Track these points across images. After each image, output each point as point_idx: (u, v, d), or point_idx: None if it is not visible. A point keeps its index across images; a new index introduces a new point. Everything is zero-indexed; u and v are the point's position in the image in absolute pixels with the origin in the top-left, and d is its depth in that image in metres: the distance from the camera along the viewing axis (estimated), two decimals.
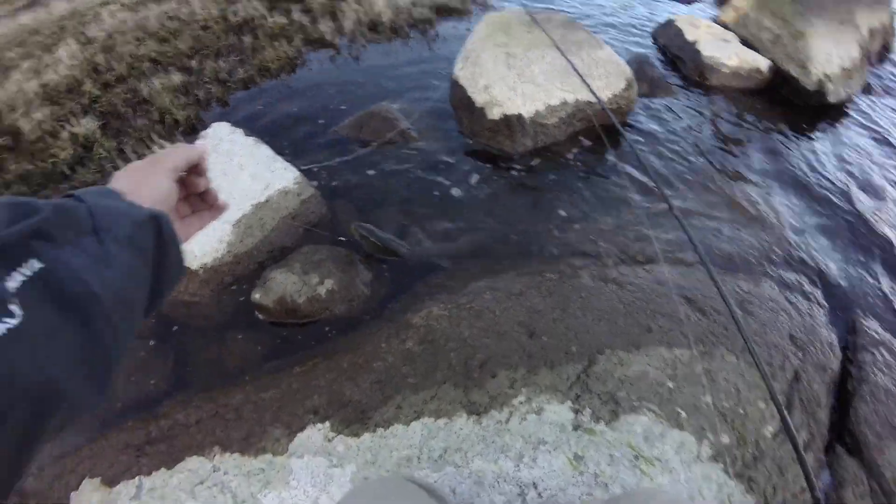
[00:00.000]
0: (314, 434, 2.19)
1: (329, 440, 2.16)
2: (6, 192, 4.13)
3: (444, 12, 5.61)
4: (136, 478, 2.26)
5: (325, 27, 5.20)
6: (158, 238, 0.52)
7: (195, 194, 0.71)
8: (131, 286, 0.47)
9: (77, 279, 0.41)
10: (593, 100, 3.54)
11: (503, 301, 2.58)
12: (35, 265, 0.39)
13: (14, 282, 0.37)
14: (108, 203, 0.50)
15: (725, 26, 5.10)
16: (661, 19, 5.54)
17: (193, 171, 0.68)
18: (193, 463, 2.25)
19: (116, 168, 3.70)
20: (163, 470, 2.25)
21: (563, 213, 3.13)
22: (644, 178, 3.34)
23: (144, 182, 0.60)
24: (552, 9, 5.23)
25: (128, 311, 0.46)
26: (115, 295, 0.44)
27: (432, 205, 3.17)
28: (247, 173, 3.10)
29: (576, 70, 3.07)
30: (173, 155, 0.64)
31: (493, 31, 3.86)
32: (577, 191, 3.26)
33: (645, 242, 2.93)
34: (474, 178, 3.37)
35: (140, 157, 3.70)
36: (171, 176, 0.63)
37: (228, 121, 3.76)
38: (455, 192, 3.27)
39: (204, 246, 2.83)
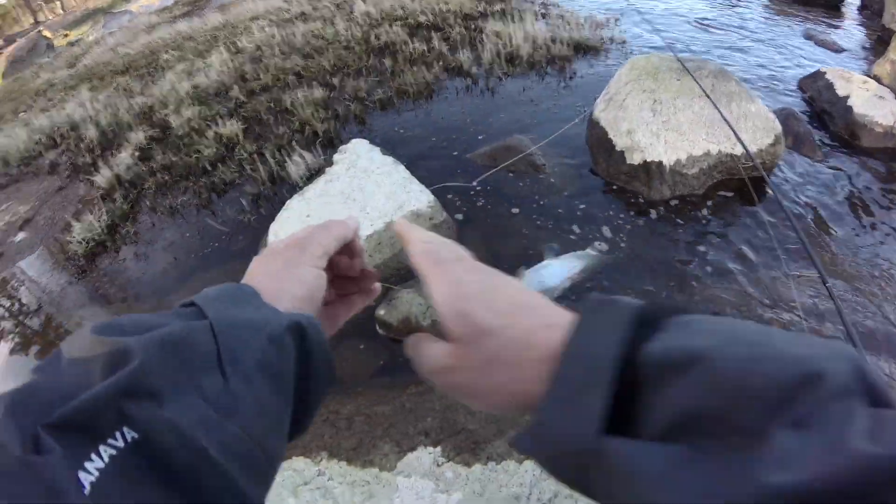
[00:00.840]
0: (424, 456, 2.35)
1: (438, 465, 2.30)
2: (150, 179, 4.73)
3: (582, 50, 5.85)
4: None
5: (464, 57, 5.61)
6: (301, 348, 0.46)
7: (344, 276, 0.63)
8: (263, 427, 0.41)
9: (185, 444, 0.35)
10: (736, 152, 3.55)
11: None
12: (127, 435, 0.33)
13: (98, 463, 0.31)
14: (237, 317, 0.43)
15: (879, 80, 4.89)
16: (807, 68, 5.42)
17: (345, 252, 0.61)
18: (299, 463, 2.46)
19: (255, 169, 4.17)
20: None
21: (695, 265, 3.14)
22: (788, 238, 3.25)
23: (287, 276, 0.53)
24: (699, 57, 5.28)
25: (258, 458, 0.40)
26: (240, 449, 0.38)
27: (561, 244, 3.29)
28: (383, 192, 3.41)
29: (728, 123, 3.13)
30: (322, 236, 0.57)
31: (640, 76, 4.00)
32: (712, 244, 3.27)
33: (781, 308, 2.87)
34: (605, 220, 3.46)
35: (278, 163, 4.16)
36: (320, 264, 0.55)
37: (365, 138, 4.14)
38: (585, 232, 3.37)
39: None
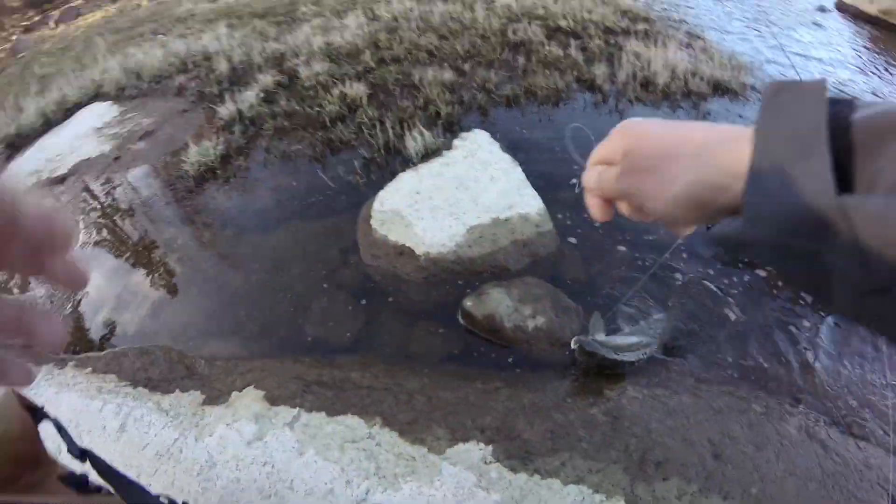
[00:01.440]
0: (474, 450, 2.44)
1: (486, 462, 2.39)
2: (270, 121, 5.00)
3: (720, 90, 5.69)
4: (297, 409, 2.67)
5: (599, 71, 5.59)
6: None
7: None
8: None
9: None
10: None
11: (701, 411, 2.61)
12: None
13: None
14: None
15: None
16: None
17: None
18: (352, 421, 2.61)
19: (373, 136, 4.33)
20: (323, 414, 2.65)
21: (800, 343, 3.01)
22: None
23: None
24: None
25: None
26: None
27: (663, 286, 3.24)
28: (497, 188, 3.50)
29: None
30: None
31: None
32: (819, 331, 3.11)
33: (873, 411, 2.73)
34: (713, 272, 3.37)
35: (396, 134, 4.30)
36: None
37: (487, 130, 4.23)
38: (688, 278, 3.31)
39: (433, 237, 3.23)
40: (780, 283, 3.37)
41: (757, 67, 6.55)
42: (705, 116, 5.21)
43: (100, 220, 4.52)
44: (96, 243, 4.26)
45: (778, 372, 2.89)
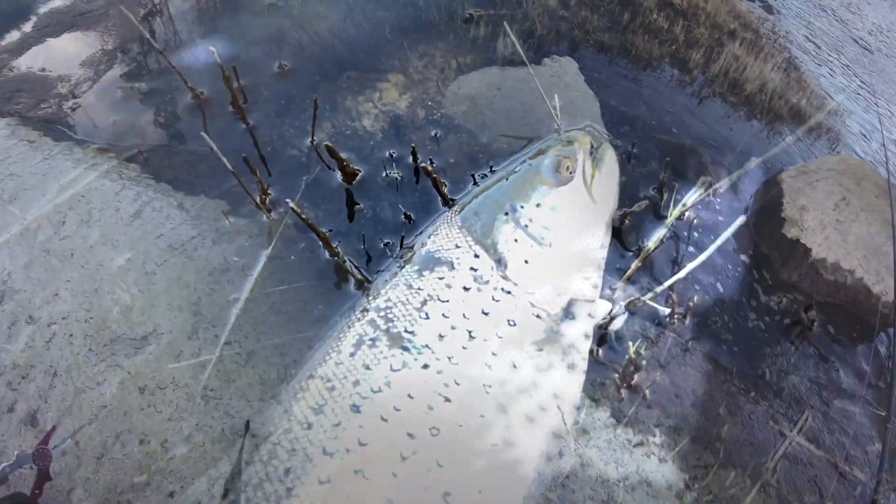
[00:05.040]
0: None
1: None
2: None
3: (798, 120, 5.86)
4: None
5: (695, 56, 5.76)
6: None
7: None
8: None
9: None
10: (875, 291, 3.62)
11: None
12: None
13: None
14: None
15: None
16: None
17: None
18: None
19: (461, 28, 4.50)
20: None
21: (768, 367, 3.31)
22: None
23: None
24: None
25: None
26: None
27: None
28: (568, 109, 3.75)
29: None
30: None
31: (846, 171, 4.13)
32: (803, 355, 3.40)
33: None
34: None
35: (486, 34, 4.46)
36: None
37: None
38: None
39: (503, 130, 3.50)
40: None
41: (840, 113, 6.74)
42: (774, 136, 5.46)
43: None
44: None
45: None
